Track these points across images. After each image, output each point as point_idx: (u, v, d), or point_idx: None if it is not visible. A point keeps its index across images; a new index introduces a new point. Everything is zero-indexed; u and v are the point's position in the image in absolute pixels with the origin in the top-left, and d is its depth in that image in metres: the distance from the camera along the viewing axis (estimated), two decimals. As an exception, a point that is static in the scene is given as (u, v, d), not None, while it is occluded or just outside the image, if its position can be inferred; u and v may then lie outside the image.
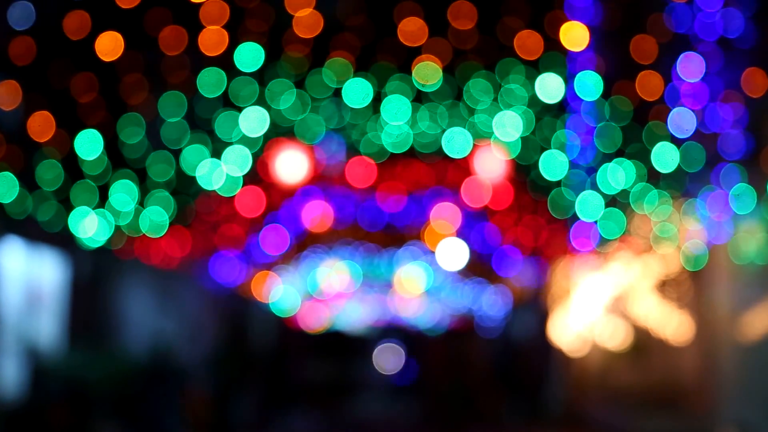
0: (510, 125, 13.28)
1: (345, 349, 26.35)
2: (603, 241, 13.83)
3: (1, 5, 13.03)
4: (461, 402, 9.41)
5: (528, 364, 15.26)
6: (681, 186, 12.02)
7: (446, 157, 16.57)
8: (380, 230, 27.68)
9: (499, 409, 11.47)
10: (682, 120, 11.44)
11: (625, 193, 13.19)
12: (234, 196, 20.19)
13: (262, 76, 16.37)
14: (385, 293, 36.35)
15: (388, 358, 28.77)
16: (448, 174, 18.43)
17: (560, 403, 17.56)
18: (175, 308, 18.46)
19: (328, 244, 31.70)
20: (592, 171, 15.56)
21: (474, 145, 13.59)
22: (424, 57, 12.74)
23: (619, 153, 13.34)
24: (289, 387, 14.43)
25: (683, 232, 11.98)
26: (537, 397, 16.73)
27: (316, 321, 37.32)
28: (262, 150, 16.52)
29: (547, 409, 17.67)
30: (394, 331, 36.35)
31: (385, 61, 13.23)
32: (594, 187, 14.91)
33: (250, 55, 13.02)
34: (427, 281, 33.68)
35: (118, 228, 16.49)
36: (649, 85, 11.84)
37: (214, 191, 18.43)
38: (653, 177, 12.36)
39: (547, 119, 13.69)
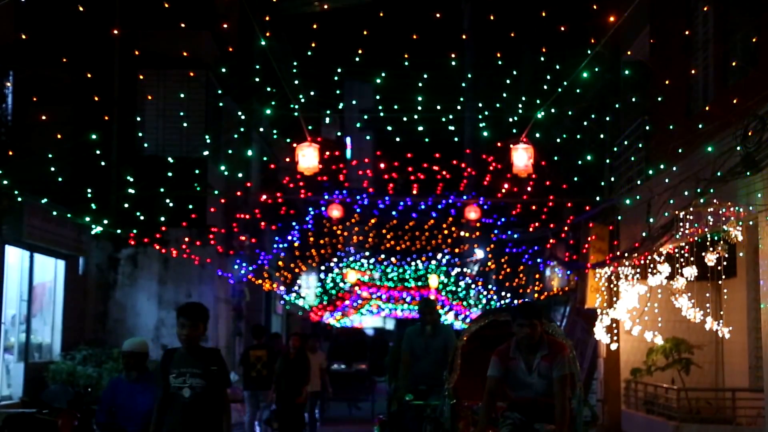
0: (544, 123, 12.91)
1: (366, 346, 25.73)
2: (643, 243, 13.34)
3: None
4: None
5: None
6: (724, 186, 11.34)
7: (477, 152, 16.12)
8: (405, 227, 27.24)
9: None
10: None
11: (663, 194, 12.67)
12: (256, 192, 19.73)
13: (281, 70, 15.88)
14: (407, 291, 36.07)
15: None
16: (482, 168, 17.90)
17: (599, 415, 17.00)
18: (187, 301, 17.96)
19: (350, 245, 31.42)
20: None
21: (509, 143, 13.64)
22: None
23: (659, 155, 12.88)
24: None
25: (726, 231, 11.27)
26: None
27: (336, 317, 37.06)
28: (283, 143, 16.19)
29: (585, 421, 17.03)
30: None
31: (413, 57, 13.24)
32: (633, 189, 14.37)
33: (270, 48, 13.27)
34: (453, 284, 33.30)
35: (130, 220, 16.00)
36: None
37: (235, 184, 17.91)
38: (695, 179, 11.78)
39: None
